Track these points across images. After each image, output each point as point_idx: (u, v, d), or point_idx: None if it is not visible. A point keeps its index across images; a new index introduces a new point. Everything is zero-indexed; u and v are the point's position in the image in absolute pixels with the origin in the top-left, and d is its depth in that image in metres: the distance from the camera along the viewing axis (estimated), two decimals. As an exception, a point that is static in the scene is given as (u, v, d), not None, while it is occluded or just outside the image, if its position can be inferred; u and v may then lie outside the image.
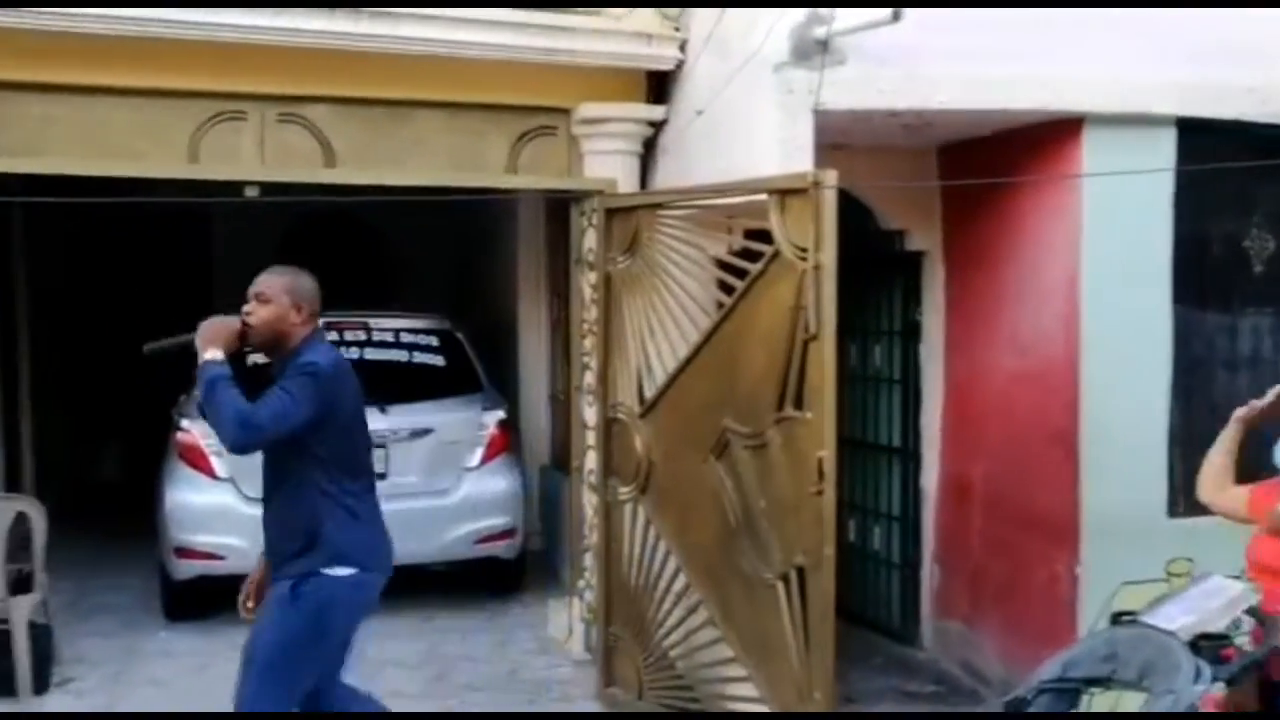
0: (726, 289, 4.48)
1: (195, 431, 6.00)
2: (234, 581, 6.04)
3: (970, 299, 5.62)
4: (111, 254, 9.83)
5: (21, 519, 5.20)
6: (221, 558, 5.90)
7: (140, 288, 9.80)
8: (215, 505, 5.94)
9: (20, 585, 5.15)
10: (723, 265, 4.55)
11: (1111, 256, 4.82)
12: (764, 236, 4.26)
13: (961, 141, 5.48)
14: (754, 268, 4.26)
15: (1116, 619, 3.28)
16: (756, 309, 4.26)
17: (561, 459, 7.05)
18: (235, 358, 3.39)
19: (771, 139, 4.59)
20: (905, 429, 6.04)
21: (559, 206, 6.28)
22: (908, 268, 5.95)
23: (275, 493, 3.53)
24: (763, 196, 4.21)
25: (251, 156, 5.21)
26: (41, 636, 5.17)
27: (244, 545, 5.84)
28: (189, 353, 3.38)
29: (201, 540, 5.92)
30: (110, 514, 8.11)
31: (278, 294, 3.49)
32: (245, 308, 3.50)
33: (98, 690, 5.23)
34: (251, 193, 5.19)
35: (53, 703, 5.09)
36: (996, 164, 5.15)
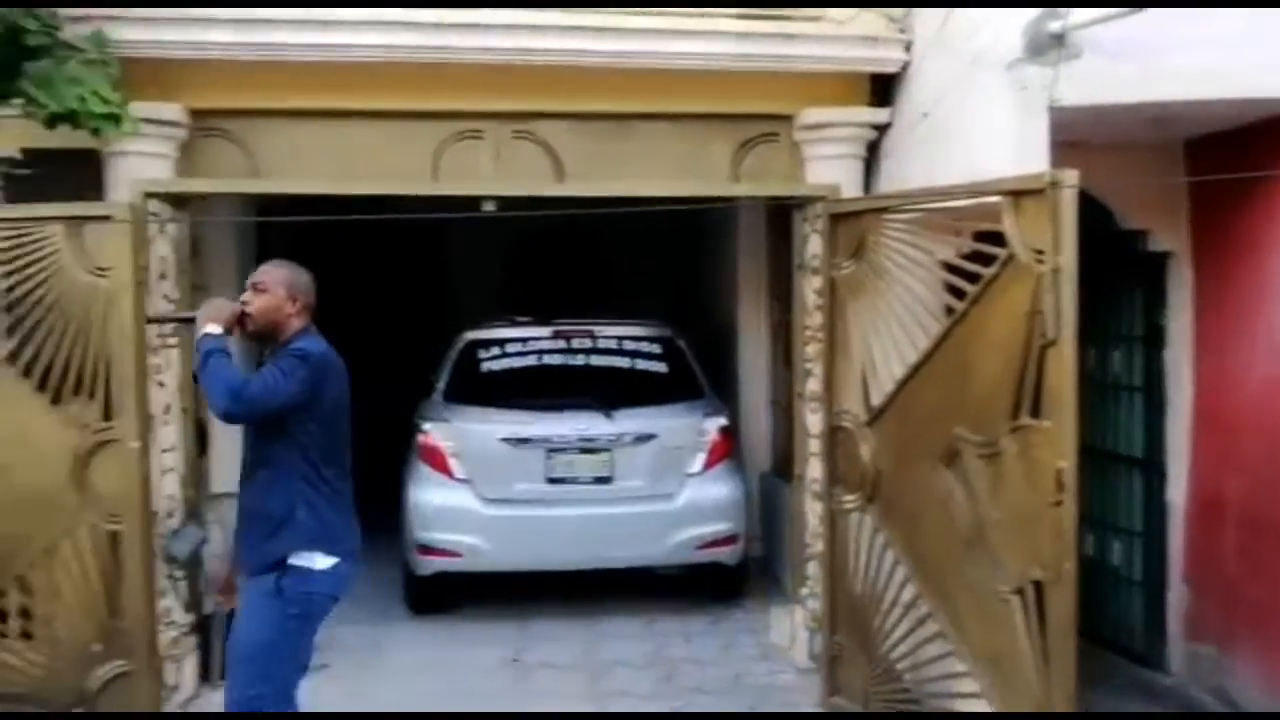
0: (956, 293, 4.36)
1: (436, 435, 6.33)
2: (472, 578, 6.43)
3: (1223, 300, 5.27)
4: (359, 269, 10.43)
5: (283, 514, 5.61)
6: (459, 555, 6.20)
7: (385, 299, 10.36)
8: (454, 505, 6.24)
9: (282, 576, 5.55)
10: (951, 269, 4.44)
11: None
12: (995, 239, 4.13)
13: (1212, 134, 5.15)
14: (986, 271, 4.14)
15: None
16: (989, 314, 4.13)
17: (782, 465, 7.03)
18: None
19: (1004, 138, 4.46)
20: (1149, 439, 5.72)
21: (780, 211, 6.28)
22: (1149, 269, 5.63)
23: (255, 476, 3.63)
24: (995, 198, 4.09)
25: (488, 172, 5.46)
26: (300, 624, 5.56)
27: (481, 544, 6.17)
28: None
29: (441, 538, 6.23)
30: (359, 512, 8.61)
31: (275, 285, 3.66)
32: (243, 296, 3.67)
33: (348, 676, 5.57)
34: (489, 207, 5.43)
35: (310, 684, 5.45)
36: (1254, 156, 4.81)
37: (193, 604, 5.30)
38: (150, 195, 4.95)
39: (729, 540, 6.47)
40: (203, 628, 5.40)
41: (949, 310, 4.43)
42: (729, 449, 6.64)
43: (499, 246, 10.46)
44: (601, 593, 6.73)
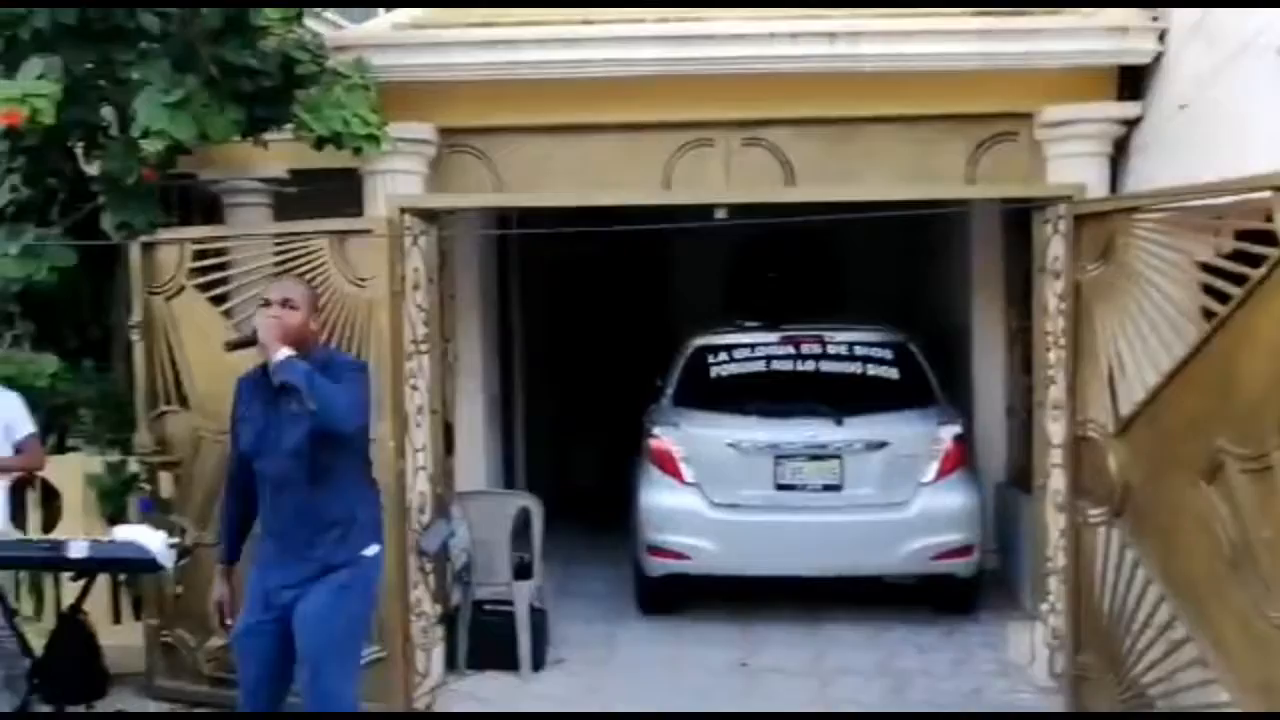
0: (1216, 296, 4.09)
1: (667, 439, 6.44)
2: (701, 580, 6.51)
3: None
4: (588, 275, 10.72)
5: (523, 513, 5.85)
6: (689, 557, 6.29)
7: (611, 305, 10.60)
8: (684, 508, 6.33)
9: (521, 572, 5.79)
10: (1210, 270, 4.17)
11: None
12: (1262, 238, 3.85)
13: None
14: (1254, 273, 3.86)
15: None
16: (1258, 318, 3.84)
17: (1019, 475, 6.78)
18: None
19: (1274, 130, 4.15)
20: None
21: (1017, 213, 6.06)
22: None
23: (308, 485, 3.62)
24: (1265, 194, 3.81)
25: (718, 180, 5.52)
26: (539, 619, 5.79)
27: (710, 547, 6.23)
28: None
29: (672, 540, 6.33)
30: (588, 513, 8.87)
31: (302, 302, 3.74)
32: (271, 311, 3.65)
33: (584, 672, 5.76)
34: (721, 214, 5.49)
35: (548, 679, 5.68)
36: None
37: (441, 596, 5.59)
38: (404, 210, 5.26)
39: (964, 551, 6.28)
40: (450, 619, 5.69)
41: (1207, 314, 4.16)
42: (964, 457, 6.45)
43: (723, 252, 10.52)
44: (827, 599, 6.67)
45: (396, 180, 5.42)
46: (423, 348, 5.34)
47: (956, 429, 6.45)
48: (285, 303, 3.71)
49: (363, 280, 4.96)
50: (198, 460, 5.22)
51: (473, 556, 5.72)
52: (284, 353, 3.53)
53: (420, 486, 5.36)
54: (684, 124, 5.45)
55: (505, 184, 5.61)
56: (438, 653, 5.53)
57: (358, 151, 5.01)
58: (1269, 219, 3.77)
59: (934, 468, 6.31)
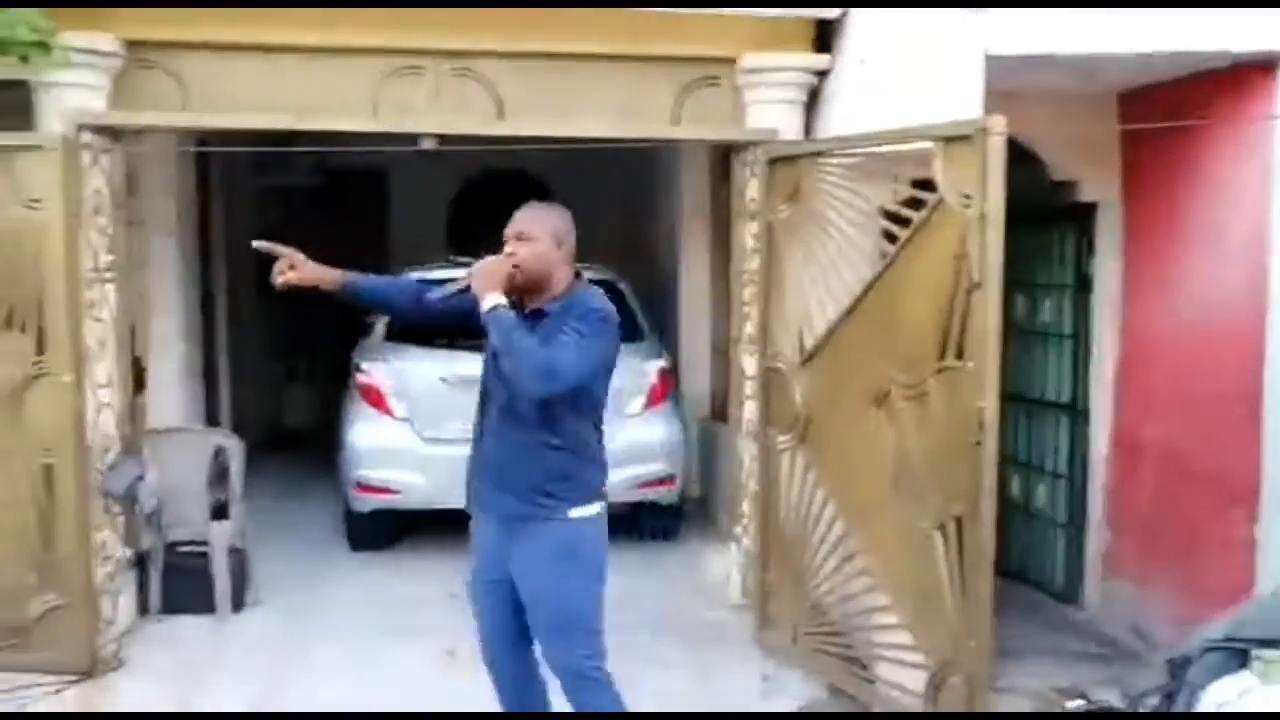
0: (892, 239, 4.44)
1: (376, 373, 6.34)
2: (410, 516, 6.48)
3: (1149, 251, 5.41)
4: (304, 206, 10.31)
5: (220, 452, 5.62)
6: (398, 492, 6.24)
7: (326, 240, 10.23)
8: (393, 443, 6.27)
9: (218, 512, 5.57)
10: (888, 215, 4.51)
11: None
12: (930, 185, 4.21)
13: (1144, 87, 5.25)
14: (917, 216, 4.22)
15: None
16: (919, 258, 4.22)
17: (722, 410, 7.12)
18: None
19: (939, 86, 4.52)
20: (1075, 385, 5.89)
21: (724, 157, 6.30)
22: (1080, 219, 5.76)
23: (525, 436, 3.29)
24: (927, 144, 4.16)
25: (426, 110, 5.40)
26: (238, 560, 5.60)
27: (419, 481, 6.21)
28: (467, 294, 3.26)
29: (379, 475, 6.27)
30: (302, 453, 8.62)
31: (541, 233, 3.35)
32: (508, 248, 3.32)
33: (285, 611, 5.63)
34: (428, 144, 5.39)
35: (245, 620, 5.52)
36: (1182, 109, 4.93)
37: (130, 538, 5.29)
38: (83, 127, 4.87)
39: (666, 480, 6.57)
40: (140, 562, 5.41)
41: (884, 255, 4.51)
42: (668, 391, 6.71)
43: (443, 190, 10.39)
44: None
45: (75, 94, 4.97)
46: (106, 275, 4.99)
47: (662, 363, 6.69)
48: (520, 236, 3.29)
49: (34, 202, 4.57)
50: None
51: (163, 498, 5.43)
52: (490, 300, 3.17)
53: (105, 425, 5.04)
54: (392, 50, 5.30)
55: (198, 104, 5.27)
56: (127, 598, 5.25)
57: (25, 60, 4.57)
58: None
59: (640, 401, 6.53)
